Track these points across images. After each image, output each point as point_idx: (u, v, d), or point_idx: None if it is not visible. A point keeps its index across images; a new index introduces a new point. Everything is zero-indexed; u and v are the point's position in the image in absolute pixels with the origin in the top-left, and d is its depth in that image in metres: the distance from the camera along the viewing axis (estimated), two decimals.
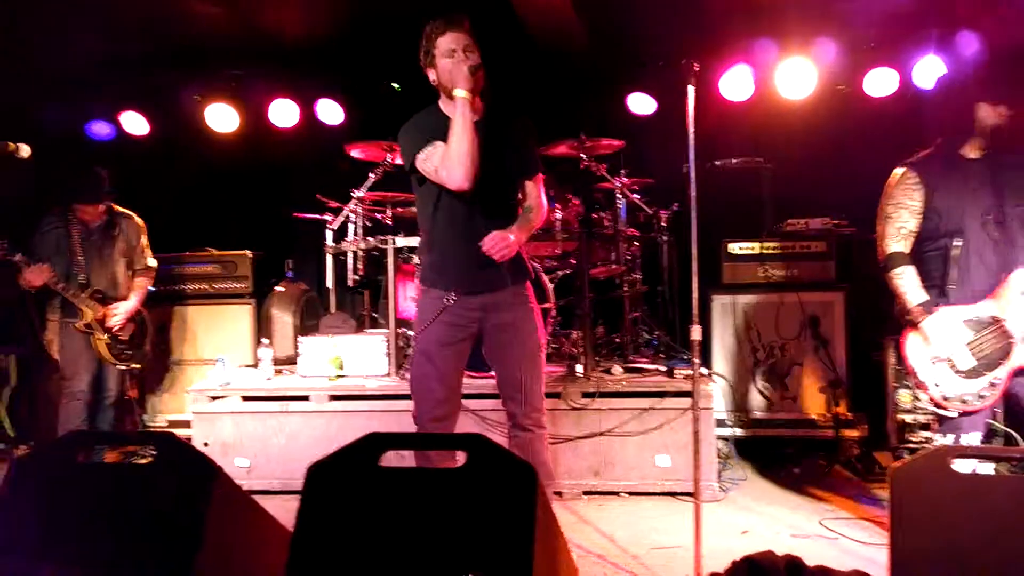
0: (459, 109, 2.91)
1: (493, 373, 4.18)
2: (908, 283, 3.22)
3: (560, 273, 5.10)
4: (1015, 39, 4.63)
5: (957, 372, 3.11)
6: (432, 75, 3.11)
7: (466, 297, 3.10)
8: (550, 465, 3.34)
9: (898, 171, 3.32)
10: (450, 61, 2.99)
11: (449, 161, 2.93)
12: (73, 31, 5.15)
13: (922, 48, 5.22)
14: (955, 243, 3.16)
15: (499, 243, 2.99)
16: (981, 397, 3.09)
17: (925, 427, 4.48)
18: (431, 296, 3.16)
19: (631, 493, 4.32)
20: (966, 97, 3.21)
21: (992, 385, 3.08)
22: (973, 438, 3.15)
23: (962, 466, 2.54)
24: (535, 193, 3.22)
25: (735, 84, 5.55)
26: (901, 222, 3.26)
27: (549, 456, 3.33)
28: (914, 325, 3.20)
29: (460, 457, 1.75)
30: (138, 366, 4.88)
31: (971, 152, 3.23)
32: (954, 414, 3.16)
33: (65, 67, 5.60)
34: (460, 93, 2.91)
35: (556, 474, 4.27)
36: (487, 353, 3.23)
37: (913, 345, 3.22)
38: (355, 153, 5.26)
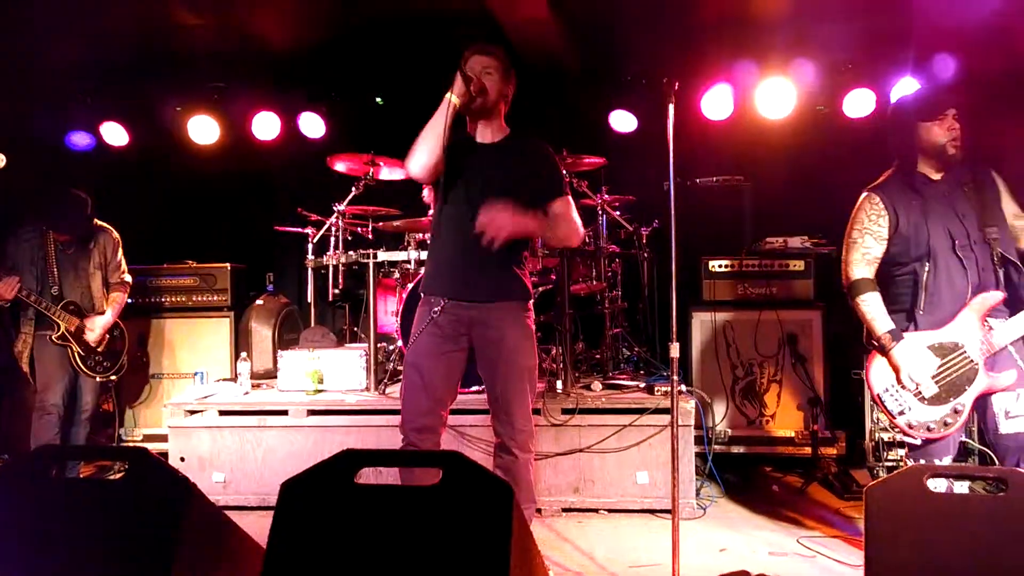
0: (439, 108, 3.01)
1: (474, 389, 4.21)
2: (874, 310, 3.19)
3: (541, 289, 5.11)
4: (992, 60, 4.71)
5: (922, 399, 3.10)
6: None
7: (456, 307, 3.10)
8: (533, 488, 3.33)
9: (863, 196, 3.30)
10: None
11: (412, 150, 3.04)
12: (54, 40, 5.12)
13: (899, 70, 5.29)
14: (924, 268, 3.13)
15: (496, 217, 2.93)
16: (945, 424, 3.07)
17: (902, 445, 4.51)
18: (425, 305, 3.19)
19: (610, 510, 4.31)
20: (906, 120, 3.22)
21: (956, 412, 3.05)
22: (946, 462, 3.12)
23: (937, 485, 2.57)
24: (563, 211, 3.15)
25: (716, 103, 5.59)
26: (865, 248, 3.24)
27: (532, 479, 3.32)
28: (882, 352, 3.18)
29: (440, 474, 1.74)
30: (114, 378, 4.85)
31: (931, 173, 3.22)
32: (918, 441, 3.15)
33: (46, 76, 5.57)
34: (449, 96, 3.01)
35: (536, 491, 4.26)
36: (480, 369, 3.23)
37: (877, 372, 3.20)
38: (338, 166, 5.25)
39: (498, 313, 3.13)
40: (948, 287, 3.11)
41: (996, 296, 3.06)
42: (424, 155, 3.01)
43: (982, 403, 3.08)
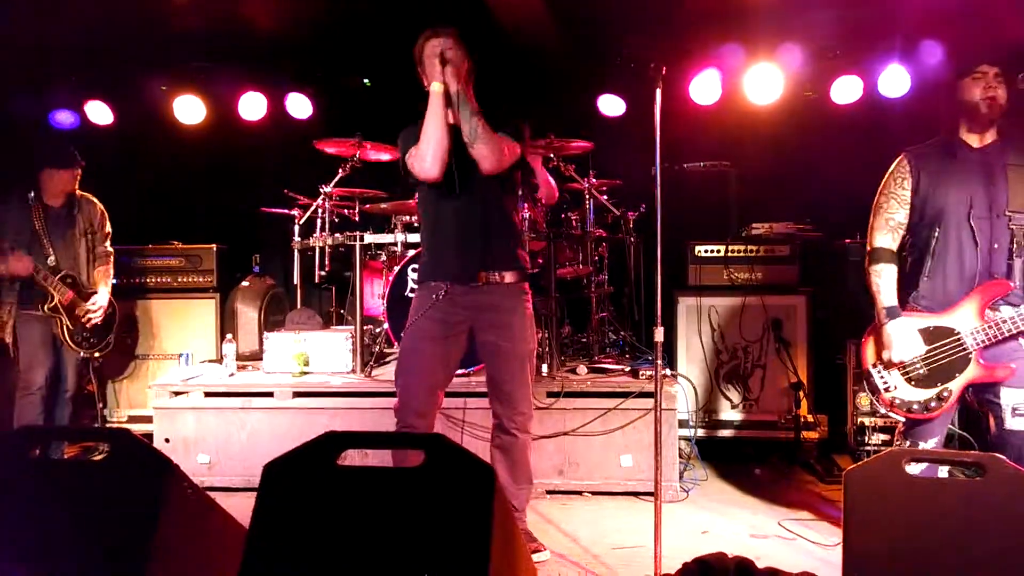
0: (431, 101, 3.03)
1: (459, 372, 4.22)
2: (884, 283, 3.14)
3: (533, 270, 5.11)
4: (978, 50, 4.71)
5: (908, 380, 3.10)
6: (426, 82, 3.19)
7: (458, 291, 3.13)
8: (530, 469, 3.40)
9: (896, 160, 3.21)
10: (429, 61, 3.10)
11: (419, 151, 3.04)
12: (39, 16, 5.06)
13: (886, 57, 5.30)
14: (935, 232, 3.06)
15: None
16: (928, 408, 3.06)
17: (883, 430, 4.55)
18: (424, 291, 3.21)
19: (594, 493, 4.34)
20: (949, 78, 3.10)
21: (941, 398, 3.04)
22: (931, 444, 3.13)
23: (916, 469, 2.58)
24: (499, 139, 3.11)
25: (704, 88, 5.58)
26: (890, 213, 3.17)
27: (530, 459, 3.38)
28: (878, 327, 3.17)
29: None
30: (100, 355, 4.81)
31: (973, 140, 3.08)
32: (902, 419, 3.18)
33: (29, 54, 5.50)
34: (433, 87, 3.04)
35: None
36: (481, 353, 3.27)
37: (870, 348, 3.21)
38: (325, 148, 5.22)
39: (500, 297, 3.17)
40: (956, 257, 3.04)
41: (1003, 286, 2.98)
42: (437, 153, 3.01)
43: (992, 396, 3.03)
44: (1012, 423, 2.97)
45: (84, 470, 1.90)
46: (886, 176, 3.24)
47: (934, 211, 3.08)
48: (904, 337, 3.08)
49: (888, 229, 3.19)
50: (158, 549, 1.67)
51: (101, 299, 4.72)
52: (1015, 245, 2.98)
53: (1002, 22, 4.53)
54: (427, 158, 3.02)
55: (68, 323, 4.58)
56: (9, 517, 1.76)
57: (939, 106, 3.21)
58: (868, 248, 3.24)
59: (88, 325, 4.66)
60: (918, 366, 3.09)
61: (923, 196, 3.11)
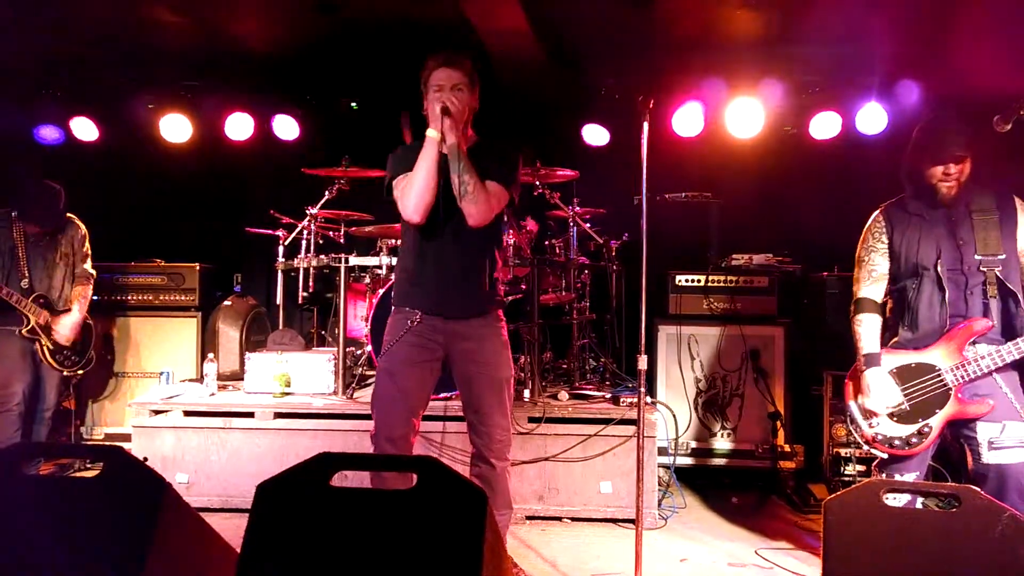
0: (424, 148, 3.01)
1: (441, 395, 4.24)
2: (866, 331, 3.26)
3: (511, 298, 5.15)
4: (956, 89, 4.84)
5: (891, 415, 3.17)
6: (426, 105, 3.17)
7: (431, 319, 3.12)
8: (510, 495, 3.36)
9: (872, 215, 3.36)
10: (434, 97, 3.06)
11: (405, 193, 3.04)
12: (26, 30, 5.06)
13: (864, 95, 5.42)
14: (911, 285, 3.20)
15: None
16: (909, 444, 3.14)
17: (859, 460, 4.62)
18: (399, 316, 3.19)
19: (574, 519, 4.35)
20: (916, 160, 3.19)
21: (921, 433, 3.12)
22: (908, 478, 3.19)
23: (893, 500, 2.63)
24: (489, 191, 3.06)
25: (686, 120, 5.67)
26: (872, 265, 3.31)
27: (509, 486, 3.36)
28: (857, 371, 3.27)
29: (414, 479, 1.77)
30: (81, 372, 4.79)
31: (940, 197, 3.17)
32: (884, 455, 3.25)
33: (15, 68, 5.50)
34: (429, 133, 3.01)
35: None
36: (456, 380, 3.25)
37: (855, 386, 3.30)
38: (311, 170, 5.25)
39: (476, 327, 3.16)
40: (928, 307, 3.16)
41: (981, 324, 3.07)
42: (421, 201, 3.00)
43: (969, 431, 3.09)
44: (988, 456, 3.03)
45: (76, 487, 1.90)
46: (864, 230, 3.38)
47: (909, 266, 3.22)
48: (880, 388, 3.19)
49: (872, 280, 3.33)
50: (151, 568, 1.68)
51: (70, 319, 4.67)
52: (988, 286, 3.09)
53: (977, 65, 4.67)
54: (410, 206, 3.02)
55: (48, 343, 4.56)
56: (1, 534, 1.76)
57: (906, 166, 3.29)
58: (853, 298, 3.38)
59: (64, 343, 4.63)
60: (895, 406, 3.17)
61: (898, 251, 3.25)
